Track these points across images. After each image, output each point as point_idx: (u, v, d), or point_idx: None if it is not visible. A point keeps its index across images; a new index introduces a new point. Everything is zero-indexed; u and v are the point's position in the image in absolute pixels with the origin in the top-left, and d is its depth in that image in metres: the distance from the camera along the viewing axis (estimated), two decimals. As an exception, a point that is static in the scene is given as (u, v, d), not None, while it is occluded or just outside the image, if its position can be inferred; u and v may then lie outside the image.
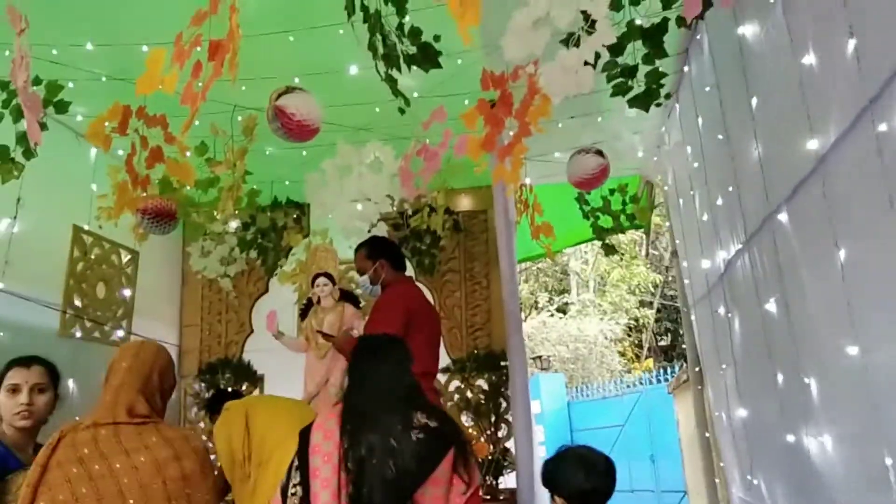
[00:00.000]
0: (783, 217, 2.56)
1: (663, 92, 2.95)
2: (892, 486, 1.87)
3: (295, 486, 1.99)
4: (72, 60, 3.66)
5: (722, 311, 3.83)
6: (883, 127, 1.73)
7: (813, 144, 2.18)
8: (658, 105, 2.97)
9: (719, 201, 3.54)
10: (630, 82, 2.85)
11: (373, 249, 3.79)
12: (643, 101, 2.91)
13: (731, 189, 3.23)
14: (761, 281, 2.96)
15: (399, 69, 2.82)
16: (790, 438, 2.80)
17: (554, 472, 2.26)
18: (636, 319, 17.87)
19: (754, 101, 2.75)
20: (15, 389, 2.46)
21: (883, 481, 1.91)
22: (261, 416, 3.18)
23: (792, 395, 2.73)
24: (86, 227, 4.79)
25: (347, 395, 2.18)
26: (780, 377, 2.88)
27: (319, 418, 2.12)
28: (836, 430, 2.34)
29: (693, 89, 3.76)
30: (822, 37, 2.05)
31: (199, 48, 2.52)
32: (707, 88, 3.44)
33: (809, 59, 2.14)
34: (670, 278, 16.92)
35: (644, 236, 14.82)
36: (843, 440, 2.30)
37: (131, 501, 1.91)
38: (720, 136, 3.28)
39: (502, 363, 5.50)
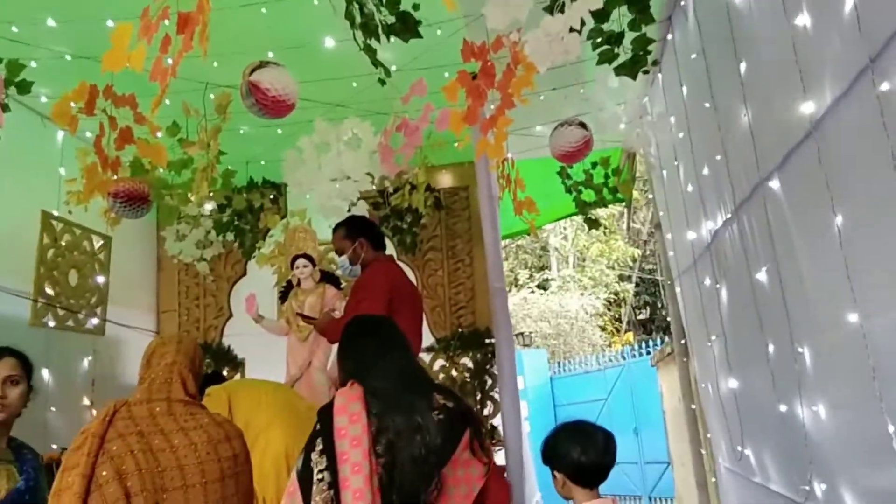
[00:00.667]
0: (775, 184, 2.51)
1: (650, 59, 2.88)
2: None
3: (321, 471, 1.92)
4: (33, 38, 3.52)
5: (709, 281, 3.79)
6: (885, 86, 1.67)
7: (807, 108, 2.11)
8: (645, 72, 2.90)
9: (705, 171, 3.49)
10: (616, 49, 2.78)
11: (351, 229, 3.69)
12: (630, 69, 2.85)
13: (718, 158, 3.17)
14: (751, 250, 2.92)
15: (378, 39, 2.73)
16: (782, 408, 2.77)
17: (553, 448, 2.24)
18: (616, 293, 17.96)
19: (743, 66, 2.68)
20: (-14, 382, 2.37)
21: (885, 449, 1.88)
22: (244, 400, 3.13)
23: (784, 365, 2.70)
24: (55, 213, 4.65)
25: (365, 376, 2.11)
26: (771, 347, 2.85)
27: (339, 401, 2.03)
28: (833, 399, 2.30)
29: (677, 57, 3.68)
30: (818, -5, 1.99)
31: (167, 21, 2.41)
32: (692, 56, 3.37)
33: (803, 18, 2.07)
34: (648, 252, 17.01)
35: (622, 210, 14.83)
36: (839, 409, 2.27)
37: (190, 475, 1.97)
38: (706, 104, 3.22)
39: (487, 341, 5.48)
